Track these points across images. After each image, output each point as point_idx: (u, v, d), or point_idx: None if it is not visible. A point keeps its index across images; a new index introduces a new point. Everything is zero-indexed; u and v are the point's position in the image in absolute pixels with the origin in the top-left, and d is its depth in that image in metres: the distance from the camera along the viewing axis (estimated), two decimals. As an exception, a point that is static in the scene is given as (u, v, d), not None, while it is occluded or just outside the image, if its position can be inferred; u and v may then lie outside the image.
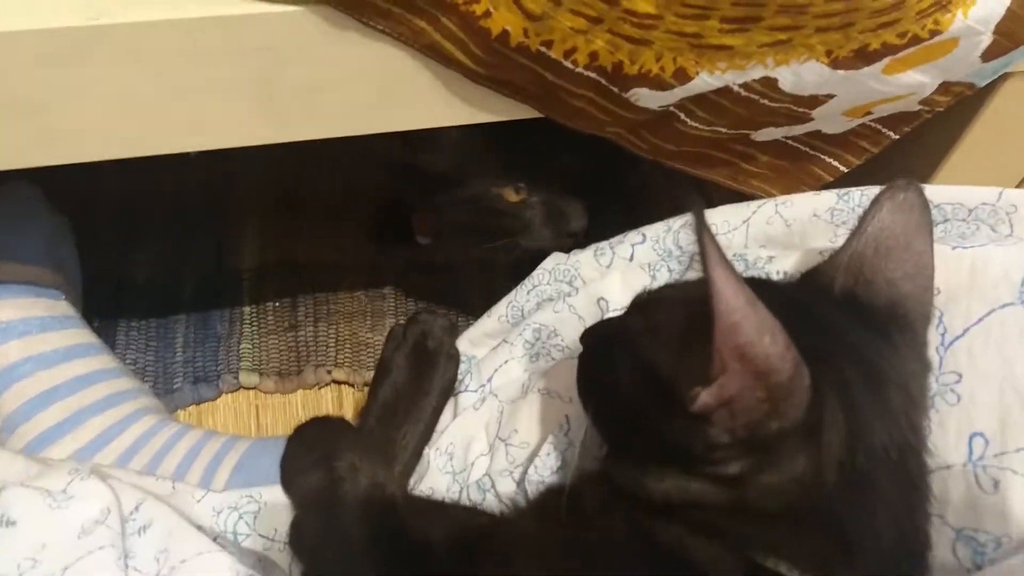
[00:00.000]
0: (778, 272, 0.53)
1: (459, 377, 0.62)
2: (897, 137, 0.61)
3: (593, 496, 0.42)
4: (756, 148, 0.61)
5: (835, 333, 0.39)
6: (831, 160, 0.63)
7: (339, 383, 0.85)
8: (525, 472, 0.53)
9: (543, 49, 0.47)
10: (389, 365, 0.60)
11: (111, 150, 0.50)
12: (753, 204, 0.58)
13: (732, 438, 0.36)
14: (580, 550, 0.40)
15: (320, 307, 0.89)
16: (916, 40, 0.48)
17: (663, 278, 0.57)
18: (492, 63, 0.49)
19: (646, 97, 0.51)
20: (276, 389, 0.84)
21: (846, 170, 0.64)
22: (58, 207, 0.77)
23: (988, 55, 0.51)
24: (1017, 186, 0.75)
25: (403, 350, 0.60)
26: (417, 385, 0.59)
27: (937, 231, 0.52)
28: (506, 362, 0.60)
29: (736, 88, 0.51)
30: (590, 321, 0.57)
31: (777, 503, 0.36)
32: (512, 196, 0.70)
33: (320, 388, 0.85)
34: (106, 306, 0.84)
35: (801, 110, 0.55)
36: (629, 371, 0.41)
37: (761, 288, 0.42)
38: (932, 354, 0.45)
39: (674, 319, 0.39)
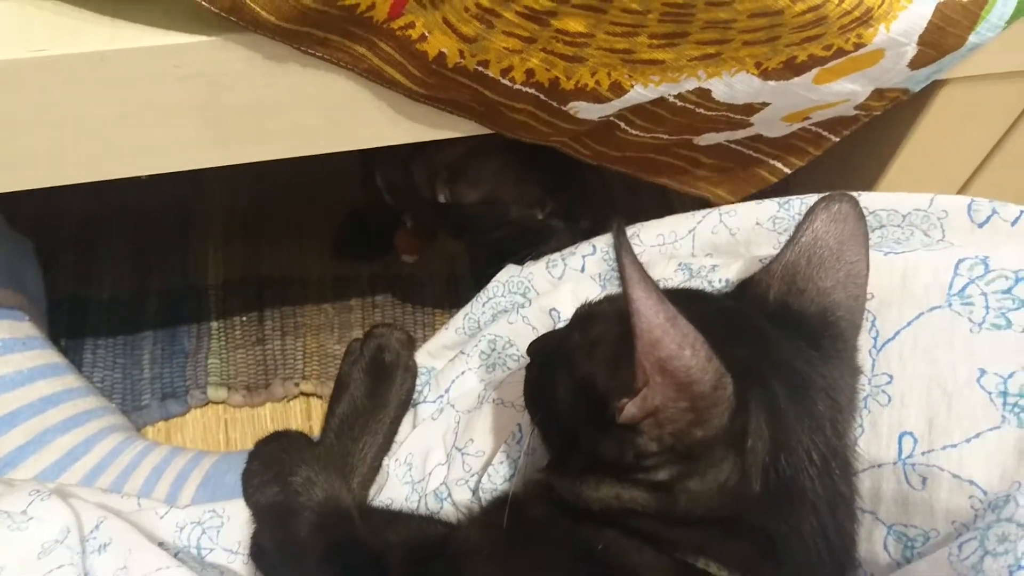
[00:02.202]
0: (721, 280, 0.54)
1: (418, 388, 0.63)
2: (838, 140, 0.63)
3: (536, 505, 0.43)
4: (700, 152, 0.62)
5: (763, 343, 0.41)
6: (775, 162, 0.65)
7: (307, 395, 0.86)
8: (480, 480, 0.54)
9: (480, 68, 0.49)
10: (347, 379, 0.61)
11: (60, 176, 0.50)
12: (699, 214, 0.60)
13: (660, 446, 0.37)
14: (522, 559, 0.41)
15: (287, 320, 0.90)
16: (841, 52, 0.50)
17: (613, 288, 0.59)
18: (432, 83, 0.50)
19: (585, 109, 0.53)
20: (244, 403, 0.85)
21: (789, 171, 0.66)
22: (19, 228, 0.77)
23: (915, 64, 0.53)
24: (960, 190, 0.77)
25: (360, 364, 0.61)
26: (374, 398, 0.60)
27: (874, 237, 0.54)
28: (463, 373, 0.61)
29: (671, 99, 0.53)
30: (543, 331, 0.58)
31: (704, 507, 0.37)
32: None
33: (288, 401, 0.86)
34: (72, 325, 0.85)
35: (739, 117, 0.56)
36: (567, 383, 0.42)
37: (693, 300, 0.44)
38: (865, 357, 0.47)
39: (608, 334, 0.41)
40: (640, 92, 0.51)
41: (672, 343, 0.34)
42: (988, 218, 0.50)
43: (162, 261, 0.91)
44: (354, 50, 0.48)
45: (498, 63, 0.48)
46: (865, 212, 0.53)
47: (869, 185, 0.72)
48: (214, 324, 0.88)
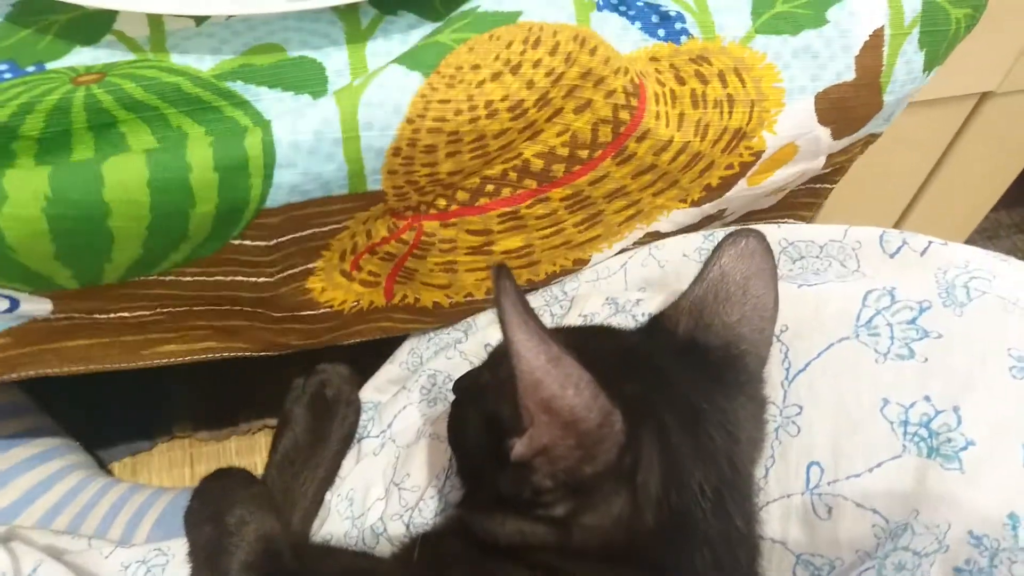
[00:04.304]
0: (644, 314, 0.55)
1: (363, 423, 0.64)
2: (832, 187, 0.65)
3: (450, 540, 0.44)
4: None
5: (662, 379, 0.42)
6: (786, 220, 0.67)
7: (272, 428, 0.87)
8: (412, 515, 0.55)
9: (470, 298, 0.57)
10: (289, 416, 0.62)
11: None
12: (631, 250, 0.61)
13: (554, 482, 0.38)
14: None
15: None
16: (746, 164, 0.52)
17: (546, 323, 0.60)
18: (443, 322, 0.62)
19: (570, 279, 0.60)
20: (210, 437, 0.86)
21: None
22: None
23: (840, 135, 0.54)
24: (904, 211, 0.79)
25: (302, 400, 0.62)
26: (315, 434, 0.61)
27: (795, 268, 0.55)
28: (404, 408, 0.62)
29: (634, 246, 0.58)
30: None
31: (599, 541, 0.39)
32: None
33: (253, 434, 0.87)
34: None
35: (711, 220, 0.59)
36: (477, 420, 0.44)
37: (593, 338, 0.45)
38: (777, 388, 0.48)
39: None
40: (601, 256, 0.56)
41: (554, 383, 0.35)
42: (899, 248, 0.51)
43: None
44: (383, 326, 0.60)
45: (478, 290, 0.56)
46: (785, 243, 0.55)
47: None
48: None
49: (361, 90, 0.42)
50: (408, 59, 0.43)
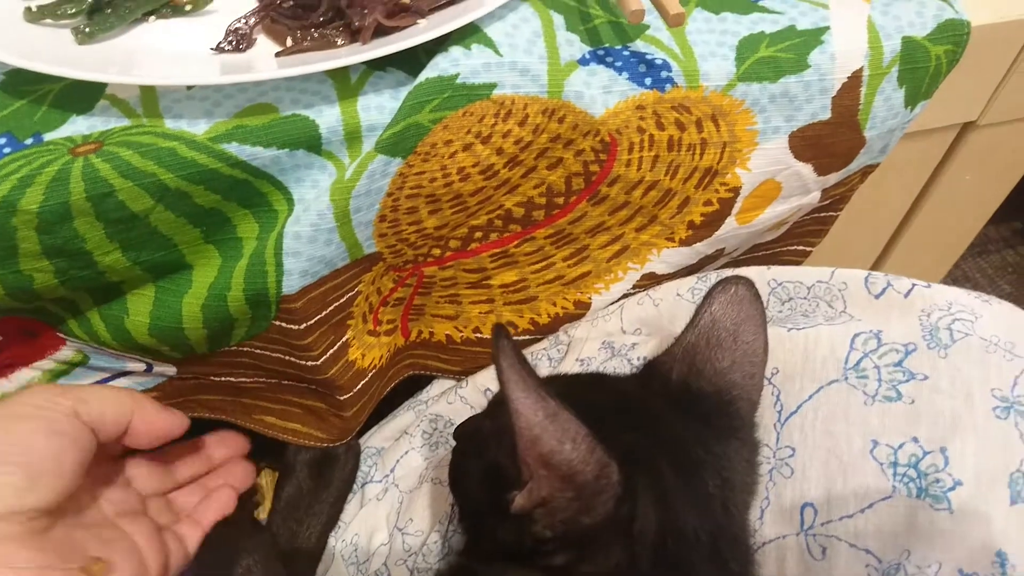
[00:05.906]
0: (639, 358, 0.56)
1: (366, 469, 0.65)
2: (837, 214, 0.66)
3: (453, 589, 0.45)
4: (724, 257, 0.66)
5: (658, 426, 0.43)
6: (795, 246, 0.68)
7: (271, 467, 0.88)
8: (416, 560, 0.56)
9: (478, 335, 0.59)
10: (292, 464, 0.63)
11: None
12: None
13: (554, 533, 0.39)
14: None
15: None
16: (726, 201, 0.53)
17: (544, 367, 0.61)
18: (459, 360, 0.64)
19: (581, 327, 0.60)
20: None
21: (812, 248, 0.69)
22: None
23: (824, 170, 0.55)
24: (887, 247, 0.80)
25: (304, 448, 0.63)
26: (318, 480, 0.62)
27: (784, 309, 0.56)
28: (407, 452, 0.63)
29: (635, 291, 0.58)
30: (478, 410, 0.61)
31: (597, 589, 0.39)
32: None
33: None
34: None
35: (710, 259, 0.60)
36: (478, 469, 0.45)
37: (590, 387, 0.46)
38: (770, 431, 0.49)
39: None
40: (602, 299, 0.57)
41: (552, 439, 0.36)
42: (883, 290, 0.52)
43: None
44: (408, 363, 0.64)
45: (483, 324, 0.58)
46: (775, 284, 0.56)
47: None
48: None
49: (353, 185, 0.45)
50: (391, 147, 0.45)
